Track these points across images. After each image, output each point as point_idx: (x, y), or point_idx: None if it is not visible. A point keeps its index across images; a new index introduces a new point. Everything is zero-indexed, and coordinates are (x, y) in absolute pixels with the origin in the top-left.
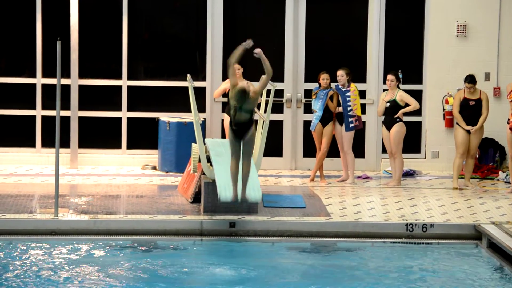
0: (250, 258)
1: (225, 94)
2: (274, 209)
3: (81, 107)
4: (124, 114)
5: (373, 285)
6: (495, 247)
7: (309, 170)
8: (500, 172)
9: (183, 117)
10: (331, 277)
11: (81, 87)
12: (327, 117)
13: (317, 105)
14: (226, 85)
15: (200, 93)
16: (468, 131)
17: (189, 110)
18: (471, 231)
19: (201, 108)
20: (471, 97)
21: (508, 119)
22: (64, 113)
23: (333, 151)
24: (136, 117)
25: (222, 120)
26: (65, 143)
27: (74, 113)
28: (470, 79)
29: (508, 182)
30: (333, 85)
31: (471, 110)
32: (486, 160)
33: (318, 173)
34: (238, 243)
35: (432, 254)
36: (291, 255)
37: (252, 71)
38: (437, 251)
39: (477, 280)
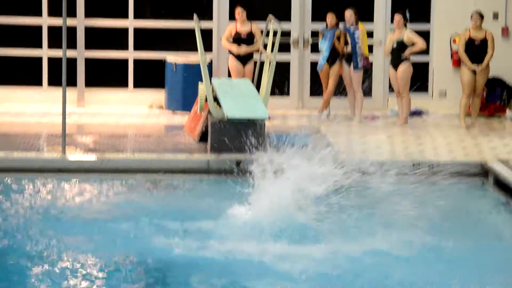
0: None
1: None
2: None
3: (88, 48)
4: (130, 55)
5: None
6: (501, 184)
7: (316, 109)
8: (507, 110)
9: (190, 57)
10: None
11: (87, 27)
12: (333, 57)
13: (324, 45)
14: (228, 31)
15: (207, 33)
16: (474, 71)
17: (196, 50)
18: (478, 169)
19: (208, 48)
20: (476, 36)
21: None
22: (70, 53)
23: (340, 90)
24: (142, 58)
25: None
26: (72, 83)
27: (81, 54)
28: (477, 13)
29: None
30: (341, 25)
31: (477, 50)
32: (493, 98)
33: (325, 112)
34: (244, 182)
35: (439, 192)
36: None
37: (256, 11)
38: (444, 188)
39: (483, 216)
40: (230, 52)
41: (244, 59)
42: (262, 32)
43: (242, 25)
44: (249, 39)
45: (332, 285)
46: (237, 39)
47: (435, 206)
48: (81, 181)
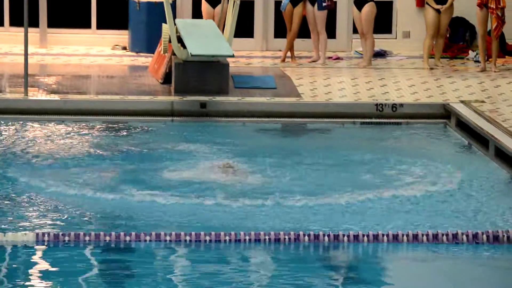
0: (221, 138)
1: None
2: (245, 90)
3: None
4: None
5: (341, 165)
6: (463, 125)
7: (280, 51)
8: (470, 51)
9: None
10: (302, 155)
11: None
12: None
13: None
14: None
15: None
16: (438, 10)
17: None
18: (440, 110)
19: None
20: None
21: None
22: None
23: (304, 31)
24: None
25: (193, 0)
26: (34, 23)
27: None
28: None
29: (478, 61)
30: None
31: None
32: (456, 39)
33: (289, 53)
34: (209, 124)
35: (401, 133)
36: (262, 136)
37: None
38: (407, 130)
39: (446, 156)
40: None
41: (215, 2)
42: None
43: None
44: None
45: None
46: None
47: (398, 148)
48: (43, 123)
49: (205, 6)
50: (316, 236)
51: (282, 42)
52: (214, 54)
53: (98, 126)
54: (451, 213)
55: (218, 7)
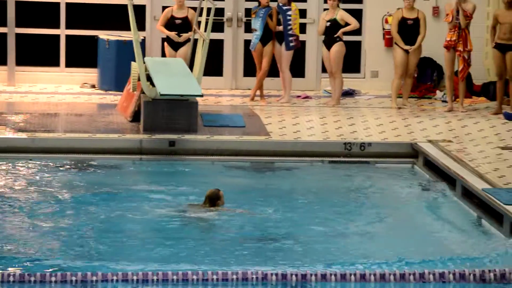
0: (190, 176)
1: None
2: (214, 128)
3: (19, 24)
4: (62, 32)
5: (310, 203)
6: (430, 164)
7: (249, 89)
8: (437, 91)
9: (123, 36)
10: (271, 195)
11: (18, 3)
12: (267, 36)
13: (257, 24)
14: (165, 16)
15: (140, 11)
16: (407, 51)
17: (128, 29)
18: (408, 149)
19: (141, 26)
20: (409, 16)
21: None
22: (0, 29)
23: (273, 70)
24: (75, 34)
25: (162, 39)
26: (2, 60)
27: (11, 30)
28: None
29: (445, 101)
30: (273, 3)
31: (409, 30)
32: (424, 79)
33: (258, 92)
34: (178, 162)
35: (369, 172)
36: (231, 174)
37: None
38: (374, 169)
39: (413, 196)
40: (165, 38)
41: (178, 44)
42: (196, 10)
43: (179, 9)
44: (183, 24)
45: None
46: (171, 24)
47: (365, 187)
48: (10, 161)
49: (167, 49)
50: (284, 276)
51: (251, 81)
52: (183, 94)
53: (66, 165)
54: (418, 252)
55: (181, 50)
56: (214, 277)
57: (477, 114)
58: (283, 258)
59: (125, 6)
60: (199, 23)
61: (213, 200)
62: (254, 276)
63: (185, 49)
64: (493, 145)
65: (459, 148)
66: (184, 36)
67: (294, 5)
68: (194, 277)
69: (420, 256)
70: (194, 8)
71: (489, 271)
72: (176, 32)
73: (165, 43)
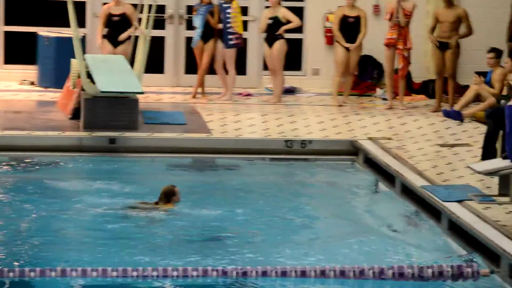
0: (130, 174)
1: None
2: (155, 126)
3: None
4: (1, 28)
5: (252, 200)
6: (370, 162)
7: (191, 87)
8: (377, 89)
9: (63, 32)
10: (212, 192)
11: None
12: (208, 34)
13: (197, 21)
14: (103, 14)
15: (80, 8)
16: (348, 49)
17: (69, 25)
18: (348, 147)
19: (81, 23)
20: (350, 14)
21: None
22: None
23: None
24: (14, 31)
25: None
26: None
27: None
28: None
29: (385, 99)
30: (215, 0)
31: (350, 28)
32: (364, 77)
33: (200, 89)
34: (118, 160)
35: (309, 170)
36: (172, 172)
37: None
38: (315, 166)
39: (353, 193)
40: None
41: (117, 42)
42: (137, 6)
43: (116, 6)
44: (121, 21)
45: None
46: (109, 21)
47: (306, 184)
48: None
49: (106, 46)
50: (224, 272)
51: (193, 78)
52: (123, 91)
53: (4, 162)
54: (358, 248)
55: (120, 47)
56: (154, 273)
57: (416, 111)
58: (225, 255)
59: (65, 2)
60: (139, 20)
61: (169, 196)
62: (194, 273)
63: (124, 47)
64: (432, 142)
65: (399, 145)
66: (122, 36)
67: (235, 3)
68: (134, 273)
69: (359, 252)
70: (134, 5)
71: (428, 267)
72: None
73: (105, 40)
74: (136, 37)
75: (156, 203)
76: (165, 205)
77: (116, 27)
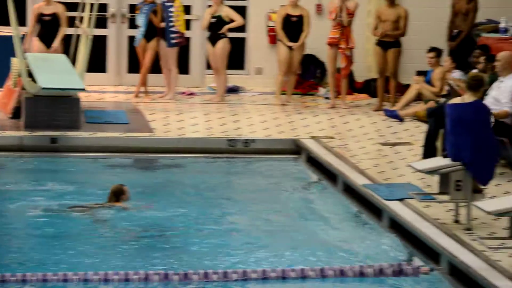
0: (72, 174)
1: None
2: (97, 125)
3: None
4: None
5: (195, 200)
6: (313, 161)
7: (134, 86)
8: (320, 88)
9: (3, 31)
10: (155, 192)
11: None
12: (151, 33)
13: (140, 20)
14: (34, 14)
15: (21, 6)
16: (290, 48)
17: (9, 24)
18: (291, 145)
19: (22, 22)
20: (293, 13)
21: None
22: None
23: (158, 67)
24: None
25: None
26: None
27: None
28: None
29: (328, 98)
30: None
31: (293, 27)
32: (307, 76)
33: (142, 88)
34: (60, 160)
35: (253, 168)
36: (114, 171)
37: None
38: (258, 165)
39: (295, 192)
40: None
41: (50, 41)
42: (79, 5)
43: (47, 5)
44: (52, 20)
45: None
46: (40, 21)
47: (249, 183)
48: None
49: (37, 45)
50: (166, 276)
51: (135, 77)
52: (65, 88)
53: None
54: (301, 248)
55: (52, 47)
56: (95, 277)
57: (358, 110)
58: (166, 256)
59: (5, 0)
60: (81, 18)
61: (118, 194)
62: (135, 277)
63: (57, 47)
64: (374, 141)
65: (341, 144)
66: (56, 42)
67: (178, 2)
68: (75, 277)
69: (301, 253)
70: (75, 3)
71: (368, 266)
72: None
73: (36, 39)
74: (78, 36)
75: (105, 203)
76: (114, 204)
77: (47, 27)
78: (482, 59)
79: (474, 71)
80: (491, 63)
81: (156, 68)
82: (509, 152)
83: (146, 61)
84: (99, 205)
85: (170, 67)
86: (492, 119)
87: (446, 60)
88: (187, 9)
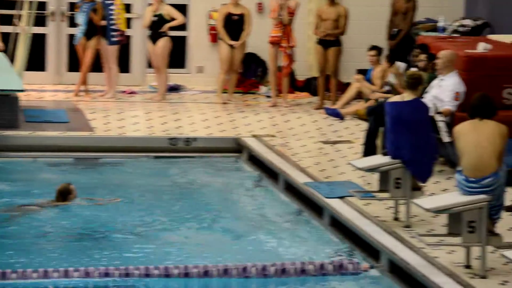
0: (11, 174)
1: None
2: (37, 124)
3: None
4: None
5: (137, 199)
6: (254, 159)
7: (74, 84)
8: (262, 87)
9: None
10: (96, 192)
11: None
12: (91, 31)
13: (80, 18)
14: None
15: None
16: (232, 46)
17: None
18: (233, 144)
19: None
20: (234, 12)
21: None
22: None
23: (99, 65)
24: None
25: None
26: None
27: None
28: None
29: (269, 96)
30: None
31: (235, 25)
32: (248, 74)
33: (83, 87)
34: None
35: (194, 167)
36: (55, 171)
37: None
38: (200, 164)
39: (237, 190)
40: None
41: None
42: (17, 3)
43: None
44: None
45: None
46: None
47: (191, 182)
48: None
49: None
50: (107, 273)
51: (75, 76)
52: (3, 89)
53: None
54: (242, 246)
55: None
56: (34, 274)
57: (300, 109)
58: (106, 254)
59: None
60: (20, 16)
61: (64, 194)
62: (75, 273)
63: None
64: (315, 139)
65: (282, 142)
66: None
67: (119, 0)
68: (14, 275)
69: (242, 250)
70: (13, 1)
71: (309, 263)
72: None
73: None
74: (17, 34)
75: (51, 202)
76: (61, 203)
77: None
78: (423, 57)
79: (413, 69)
80: (431, 62)
81: (97, 66)
82: (448, 150)
83: (87, 59)
84: (46, 203)
85: (111, 65)
86: (442, 118)
87: (383, 60)
88: (127, 7)
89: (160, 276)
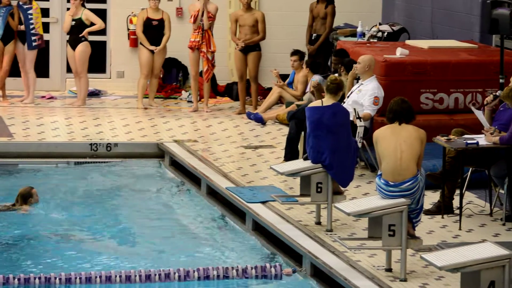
0: None
1: None
2: None
3: None
4: None
5: (56, 204)
6: (177, 164)
7: None
8: (183, 92)
9: None
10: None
11: None
12: (8, 36)
13: None
14: None
15: None
16: (152, 51)
17: None
18: (155, 149)
19: None
20: (154, 17)
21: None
22: None
23: (17, 70)
24: None
25: None
26: None
27: None
28: None
29: (191, 101)
30: (14, 2)
31: (154, 30)
32: (169, 79)
33: (0, 93)
34: None
35: (116, 173)
36: None
37: None
38: (121, 169)
39: (160, 195)
40: None
41: None
42: None
43: None
44: None
45: None
46: None
47: (112, 187)
48: None
49: None
50: (27, 280)
51: None
52: None
53: None
54: (164, 251)
55: None
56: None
57: (221, 114)
58: (27, 261)
59: None
60: None
61: (25, 197)
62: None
63: None
64: (237, 144)
65: (204, 147)
66: None
67: (36, 4)
68: None
69: (166, 255)
70: None
71: (232, 268)
72: None
73: None
74: None
75: (13, 205)
76: (21, 207)
77: None
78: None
79: (335, 74)
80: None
81: (14, 71)
82: (368, 154)
83: (4, 64)
84: (6, 207)
85: (28, 70)
86: (362, 123)
87: (303, 66)
88: (45, 12)
89: (101, 283)
